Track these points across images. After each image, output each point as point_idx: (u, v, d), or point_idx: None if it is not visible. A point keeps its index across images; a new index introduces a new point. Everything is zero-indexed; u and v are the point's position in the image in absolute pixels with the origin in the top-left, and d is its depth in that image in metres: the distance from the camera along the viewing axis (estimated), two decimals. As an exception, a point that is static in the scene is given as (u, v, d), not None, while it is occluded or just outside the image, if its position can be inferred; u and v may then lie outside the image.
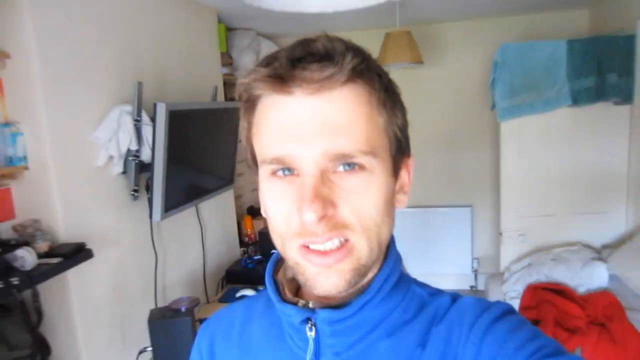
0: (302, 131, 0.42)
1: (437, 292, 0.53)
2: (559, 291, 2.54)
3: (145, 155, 1.83)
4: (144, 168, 1.85)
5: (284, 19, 2.85)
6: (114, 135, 1.71)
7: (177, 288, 2.20)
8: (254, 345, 0.55)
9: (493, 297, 2.95)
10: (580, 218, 2.92)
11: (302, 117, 0.42)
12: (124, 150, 1.75)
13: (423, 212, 3.71)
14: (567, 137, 2.84)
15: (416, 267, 3.69)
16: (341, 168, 0.43)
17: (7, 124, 1.49)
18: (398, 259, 0.53)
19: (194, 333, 1.69)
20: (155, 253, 1.99)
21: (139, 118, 1.77)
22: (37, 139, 1.51)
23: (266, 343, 0.54)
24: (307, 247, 0.44)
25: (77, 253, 1.48)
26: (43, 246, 1.46)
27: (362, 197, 0.44)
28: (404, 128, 0.49)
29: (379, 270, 0.50)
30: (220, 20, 2.78)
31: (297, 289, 0.54)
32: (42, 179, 1.53)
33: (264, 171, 0.46)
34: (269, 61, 0.43)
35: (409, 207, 3.80)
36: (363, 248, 0.45)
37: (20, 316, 1.31)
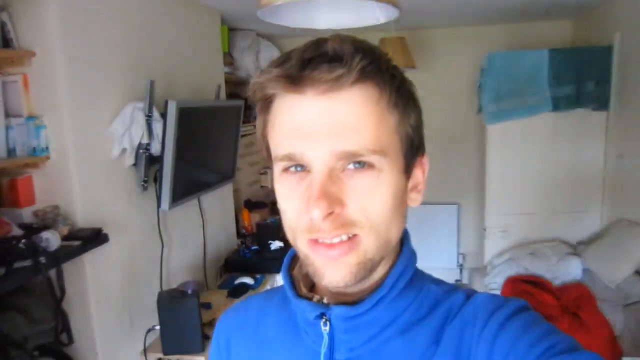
0: (311, 130, 0.44)
1: (452, 289, 0.53)
2: (536, 283, 2.72)
3: (155, 149, 1.96)
4: (153, 161, 1.99)
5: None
6: (128, 129, 1.84)
7: (180, 274, 2.34)
8: (270, 340, 0.56)
9: (476, 288, 3.13)
10: (559, 216, 3.11)
11: (312, 117, 0.44)
12: (135, 143, 1.88)
13: (411, 209, 3.87)
14: (548, 140, 3.03)
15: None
16: (351, 166, 0.44)
17: (31, 117, 1.62)
18: (412, 256, 0.54)
19: (199, 314, 1.84)
20: (162, 241, 2.13)
21: (150, 114, 1.90)
22: (58, 131, 1.64)
23: (282, 337, 0.55)
24: (316, 240, 0.46)
25: (95, 237, 1.62)
26: (64, 230, 1.59)
27: (371, 195, 0.45)
28: (417, 128, 0.49)
29: (392, 267, 0.51)
30: (222, 22, 2.91)
31: (313, 284, 0.55)
32: (62, 169, 1.66)
33: (277, 167, 0.47)
34: (281, 61, 0.45)
35: None
36: (370, 243, 0.46)
37: (46, 293, 1.44)
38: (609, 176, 2.97)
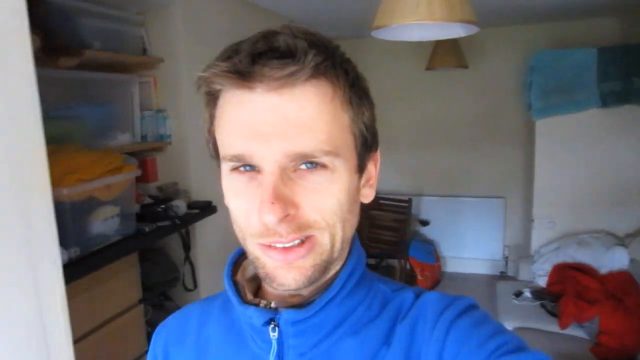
0: (262, 129, 0.41)
1: (400, 288, 0.52)
2: (582, 269, 2.91)
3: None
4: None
5: (345, 22, 3.29)
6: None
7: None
8: (212, 349, 0.54)
9: (523, 276, 3.33)
10: (606, 209, 3.25)
11: (262, 115, 0.41)
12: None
13: (458, 201, 4.07)
14: (596, 135, 3.18)
15: (449, 252, 4.12)
16: (303, 166, 0.43)
17: (159, 111, 2.02)
18: (361, 255, 0.53)
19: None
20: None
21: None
22: (178, 122, 2.04)
23: (225, 346, 0.53)
24: (269, 244, 0.44)
25: (207, 207, 1.99)
26: (184, 201, 1.98)
27: (325, 195, 0.44)
28: (371, 124, 0.48)
29: (342, 267, 0.50)
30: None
31: (257, 289, 0.53)
32: (180, 152, 2.06)
33: (225, 166, 0.45)
34: (229, 54, 0.42)
35: (444, 194, 4.15)
36: (326, 244, 0.45)
37: (167, 252, 1.81)
38: (657, 171, 3.10)
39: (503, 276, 4.05)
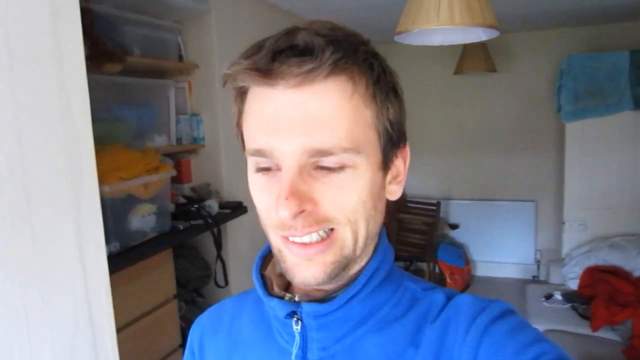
0: (282, 125, 0.42)
1: (431, 288, 0.51)
2: (615, 272, 2.85)
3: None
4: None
5: (373, 28, 3.34)
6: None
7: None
8: (243, 340, 0.55)
9: (554, 279, 3.28)
10: (638, 212, 3.17)
11: (283, 111, 0.42)
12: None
13: (488, 205, 4.04)
14: (628, 138, 3.12)
15: (480, 256, 4.08)
16: (324, 165, 0.43)
17: (194, 114, 2.12)
18: (388, 252, 0.52)
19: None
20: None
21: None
22: (212, 125, 2.13)
23: (255, 337, 0.54)
24: (288, 238, 0.45)
25: (238, 208, 2.07)
26: (216, 201, 2.06)
27: (346, 193, 0.44)
28: (397, 120, 0.47)
29: (367, 263, 0.49)
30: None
31: (288, 284, 0.54)
32: (213, 154, 2.14)
33: (250, 162, 0.46)
34: (252, 52, 0.43)
35: (474, 198, 4.12)
36: (348, 239, 0.45)
37: (200, 250, 1.89)
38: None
39: (535, 280, 3.99)
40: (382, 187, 0.48)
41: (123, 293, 1.56)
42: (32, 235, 0.83)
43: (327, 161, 0.43)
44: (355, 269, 0.48)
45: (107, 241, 1.46)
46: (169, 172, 1.69)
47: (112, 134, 1.66)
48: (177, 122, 2.08)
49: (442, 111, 4.07)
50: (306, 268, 0.45)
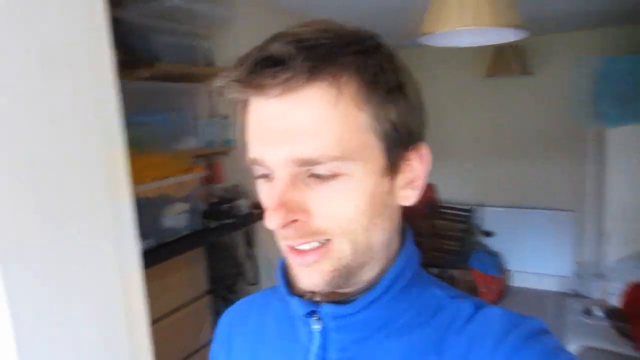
0: (268, 135, 0.42)
1: (459, 296, 0.49)
2: (659, 288, 2.70)
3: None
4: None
5: (397, 31, 3.31)
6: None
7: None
8: (268, 333, 0.56)
9: (593, 293, 3.14)
10: (687, 224, 3.00)
11: (269, 121, 0.42)
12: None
13: (524, 213, 3.89)
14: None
15: (515, 266, 3.93)
16: (316, 171, 0.42)
17: (224, 117, 2.18)
18: (413, 257, 0.50)
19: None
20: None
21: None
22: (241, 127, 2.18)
23: (279, 333, 0.55)
24: (292, 246, 0.45)
25: (267, 208, 2.11)
26: (247, 201, 2.11)
27: (340, 203, 0.42)
28: (403, 120, 0.44)
29: (390, 267, 0.48)
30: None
31: None
32: (243, 156, 2.19)
33: (254, 171, 0.47)
34: (239, 62, 0.42)
35: (509, 205, 3.96)
36: (345, 249, 0.44)
37: (232, 249, 1.95)
38: None
39: (573, 294, 3.82)
40: (390, 193, 0.46)
41: (158, 287, 1.63)
42: (71, 233, 0.89)
43: (318, 169, 0.42)
44: (368, 274, 0.47)
45: (143, 238, 1.55)
46: (200, 172, 1.76)
47: (144, 137, 1.74)
48: (209, 125, 2.15)
49: (474, 115, 3.97)
50: (308, 275, 0.45)
